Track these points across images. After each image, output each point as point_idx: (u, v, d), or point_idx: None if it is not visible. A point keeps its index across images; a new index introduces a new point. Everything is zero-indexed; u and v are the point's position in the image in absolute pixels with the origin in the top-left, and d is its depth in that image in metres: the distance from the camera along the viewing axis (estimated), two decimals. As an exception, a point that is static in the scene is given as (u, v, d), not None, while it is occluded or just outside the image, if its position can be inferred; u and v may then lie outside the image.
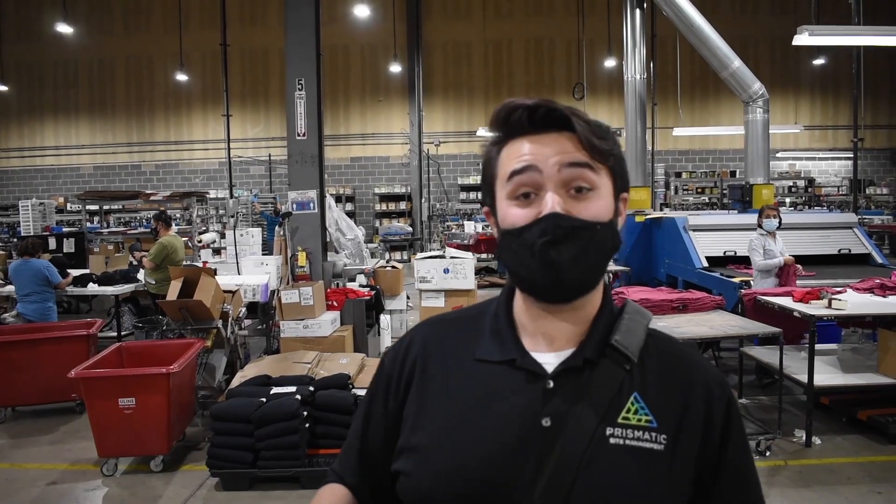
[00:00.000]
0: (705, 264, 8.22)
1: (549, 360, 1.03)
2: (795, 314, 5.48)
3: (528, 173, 0.99)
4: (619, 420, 1.00)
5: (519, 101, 1.01)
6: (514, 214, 1.00)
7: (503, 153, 1.04)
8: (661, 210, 14.23)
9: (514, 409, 1.01)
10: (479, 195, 20.15)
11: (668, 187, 19.88)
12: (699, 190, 19.97)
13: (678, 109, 17.19)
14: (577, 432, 0.97)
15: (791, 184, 20.23)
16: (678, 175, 20.29)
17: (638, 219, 10.40)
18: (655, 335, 1.10)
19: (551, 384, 1.01)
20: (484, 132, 17.90)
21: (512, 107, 1.02)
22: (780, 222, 7.04)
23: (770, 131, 10.84)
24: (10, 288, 8.00)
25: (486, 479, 0.99)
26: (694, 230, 8.80)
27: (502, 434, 1.00)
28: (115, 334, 8.03)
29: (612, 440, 0.98)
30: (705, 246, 8.55)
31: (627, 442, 0.98)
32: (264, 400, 4.76)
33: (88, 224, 12.94)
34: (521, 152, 1.01)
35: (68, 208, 19.53)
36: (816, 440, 5.35)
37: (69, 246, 10.54)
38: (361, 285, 7.87)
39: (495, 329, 1.09)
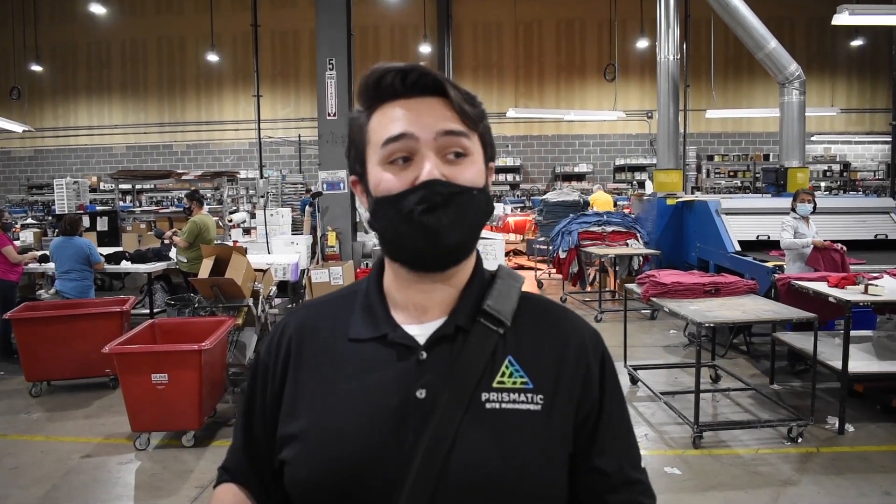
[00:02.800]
0: (738, 248, 8.12)
1: (422, 332, 1.02)
2: (831, 299, 5.39)
3: (404, 140, 0.97)
4: (495, 384, 0.99)
5: (389, 65, 0.98)
6: (388, 180, 0.98)
7: (374, 119, 1.01)
8: (693, 193, 14.05)
9: (388, 384, 0.99)
10: (508, 177, 20.24)
11: (699, 170, 19.65)
12: (731, 174, 19.71)
13: (711, 91, 16.97)
14: (452, 400, 0.96)
15: (826, 168, 19.88)
16: (710, 158, 20.03)
17: (669, 202, 10.29)
18: (529, 298, 1.10)
19: (424, 355, 1.00)
20: (514, 113, 17.79)
21: (382, 70, 0.98)
22: (814, 207, 6.91)
23: (806, 114, 10.64)
24: (47, 266, 8.12)
25: (365, 458, 0.96)
26: (727, 214, 8.69)
27: (378, 411, 0.98)
28: (147, 311, 8.13)
29: (487, 405, 0.98)
30: (738, 230, 8.44)
31: (503, 405, 0.98)
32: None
33: (121, 203, 13.10)
34: (394, 117, 0.98)
35: (101, 187, 19.79)
36: (850, 428, 5.28)
37: (102, 224, 10.67)
38: (390, 266, 7.88)
39: (366, 306, 1.07)
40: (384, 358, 1.01)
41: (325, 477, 0.98)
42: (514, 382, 1.00)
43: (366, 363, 1.02)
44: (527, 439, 0.97)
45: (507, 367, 1.01)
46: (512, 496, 0.95)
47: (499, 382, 0.99)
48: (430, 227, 0.95)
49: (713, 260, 8.58)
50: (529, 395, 1.00)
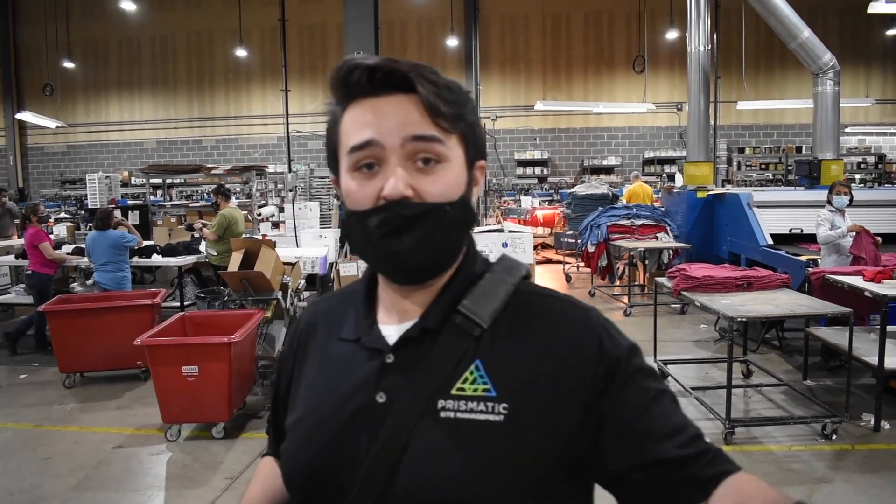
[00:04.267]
0: (770, 242, 8.00)
1: (394, 333, 0.98)
2: (866, 294, 5.29)
3: (370, 148, 0.91)
4: (453, 391, 0.92)
5: (359, 60, 0.92)
6: (355, 192, 0.93)
7: (345, 118, 0.95)
8: (723, 186, 13.88)
9: (354, 385, 0.97)
10: (536, 170, 20.15)
11: (730, 163, 19.40)
12: (763, 166, 19.44)
13: (742, 82, 16.73)
14: (406, 406, 0.92)
15: (860, 160, 19.52)
16: (741, 150, 19.76)
17: (700, 195, 10.18)
18: (524, 294, 1.00)
19: (391, 358, 0.96)
20: (542, 106, 17.70)
21: (351, 66, 0.92)
22: (851, 199, 6.79)
23: (840, 105, 10.45)
24: (80, 259, 8.23)
25: (322, 460, 0.95)
26: (758, 206, 8.58)
27: (340, 413, 0.96)
28: (178, 304, 8.21)
29: (442, 413, 0.91)
30: (770, 223, 8.32)
31: (459, 414, 0.90)
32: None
33: (152, 197, 13.24)
34: (361, 122, 0.92)
35: (132, 182, 20.02)
36: (885, 425, 5.17)
37: (134, 218, 10.76)
38: (418, 259, 7.89)
39: (356, 306, 1.06)
40: (358, 359, 0.99)
41: (294, 475, 1.00)
42: (476, 390, 0.92)
43: (345, 363, 1.01)
44: (482, 452, 0.89)
45: (470, 373, 0.93)
46: None
47: (458, 389, 0.92)
48: (390, 251, 0.91)
49: (745, 254, 8.47)
50: (490, 405, 0.91)
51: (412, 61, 0.92)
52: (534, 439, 0.90)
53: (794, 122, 19.70)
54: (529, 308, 0.99)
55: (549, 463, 0.91)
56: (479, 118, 1.00)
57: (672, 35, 18.06)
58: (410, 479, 0.89)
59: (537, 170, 20.31)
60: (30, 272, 7.69)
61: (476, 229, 7.33)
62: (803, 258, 6.99)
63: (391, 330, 0.99)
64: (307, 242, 7.83)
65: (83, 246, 8.14)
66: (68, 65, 20.67)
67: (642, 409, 0.91)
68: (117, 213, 8.53)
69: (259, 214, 10.42)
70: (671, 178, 18.48)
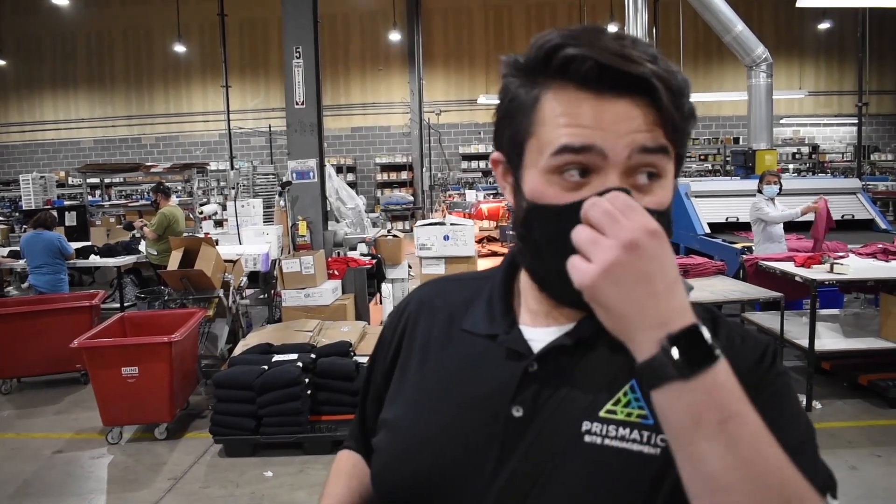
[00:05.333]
0: (707, 230, 8.20)
1: (544, 338, 0.85)
2: (797, 279, 5.47)
3: (587, 154, 0.76)
4: (602, 413, 0.80)
5: (585, 50, 0.74)
6: (553, 195, 0.78)
7: (549, 104, 0.78)
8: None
9: (485, 391, 0.85)
10: (480, 164, 20.22)
11: (670, 154, 19.78)
12: (702, 157, 19.88)
13: (681, 75, 17.04)
14: (549, 426, 0.81)
15: (795, 150, 20.11)
16: (681, 142, 20.16)
17: (640, 186, 10.35)
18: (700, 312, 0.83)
19: (535, 366, 0.84)
20: (485, 99, 17.77)
21: (572, 55, 0.75)
22: (780, 188, 7.00)
23: (774, 96, 10.77)
24: (15, 262, 8.01)
25: (440, 469, 0.85)
26: (696, 196, 8.78)
27: (467, 419, 0.85)
28: (118, 305, 8.05)
29: (587, 437, 0.79)
30: (707, 212, 8.53)
31: (607, 441, 0.79)
32: (266, 368, 4.78)
33: (90, 197, 12.92)
34: (579, 119, 0.76)
35: (69, 182, 19.49)
36: (817, 405, 5.37)
37: (71, 219, 10.52)
38: (363, 254, 7.86)
39: (489, 297, 0.93)
40: (492, 360, 0.87)
41: (397, 484, 0.89)
42: (629, 414, 0.79)
43: (470, 360, 0.89)
44: (632, 489, 0.77)
45: (625, 395, 0.80)
46: None
47: (608, 412, 0.80)
48: None
49: (683, 242, 8.66)
50: (645, 434, 0.78)
51: (647, 50, 0.76)
52: None
53: (731, 114, 20.19)
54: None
55: None
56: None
57: (612, 28, 18.25)
58: None
59: (482, 164, 20.41)
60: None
61: (418, 223, 7.35)
62: (738, 245, 7.18)
63: (536, 334, 0.86)
64: (250, 240, 7.74)
65: (18, 249, 7.93)
66: (-1, 62, 20.02)
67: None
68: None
69: (201, 213, 10.26)
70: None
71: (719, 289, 5.50)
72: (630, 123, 0.75)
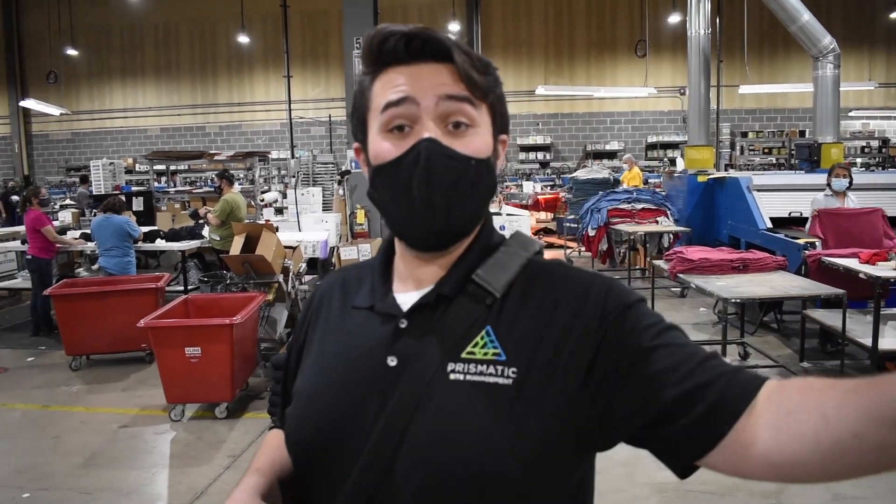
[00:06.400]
0: (769, 225, 8.04)
1: (409, 301, 0.99)
2: (861, 276, 5.34)
3: (405, 105, 0.93)
4: (463, 355, 0.92)
5: (395, 28, 0.94)
6: (386, 149, 0.95)
7: (377, 84, 0.97)
8: (726, 170, 13.89)
9: (365, 350, 0.98)
10: (538, 155, 20.15)
11: (733, 147, 19.37)
12: (766, 150, 19.41)
13: (745, 66, 16.68)
14: (418, 370, 0.93)
15: (864, 144, 19.46)
16: (744, 135, 19.73)
17: (700, 179, 10.20)
18: (538, 267, 1.01)
19: (404, 323, 0.97)
20: (543, 90, 17.68)
21: (386, 33, 0.94)
22: (850, 182, 6.81)
23: (841, 88, 10.47)
24: (84, 244, 8.31)
25: (333, 423, 0.96)
26: (758, 190, 8.59)
27: (349, 376, 0.97)
28: (181, 288, 8.29)
29: (452, 376, 0.91)
30: (770, 207, 8.34)
31: (468, 377, 0.91)
32: (323, 351, 4.88)
33: (156, 183, 13.31)
34: (396, 83, 0.94)
35: (137, 168, 20.10)
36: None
37: (138, 204, 10.85)
38: (419, 243, 7.95)
39: (371, 275, 1.07)
40: (372, 326, 1.00)
41: (299, 441, 1.01)
42: (486, 353, 0.92)
43: (356, 330, 1.02)
44: (491, 414, 0.89)
45: (481, 338, 0.93)
46: (473, 477, 0.88)
47: (468, 353, 0.93)
48: (423, 195, 0.91)
49: (744, 237, 8.51)
50: (499, 368, 0.91)
51: (424, 27, 0.95)
52: (541, 404, 0.89)
53: (797, 106, 19.64)
54: (539, 278, 0.99)
55: (556, 429, 0.90)
56: (503, 92, 1.02)
57: (674, 19, 18.00)
58: (421, 442, 0.90)
59: (540, 155, 20.31)
60: (29, 257, 7.77)
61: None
62: (801, 241, 7.03)
63: (405, 298, 1.00)
64: (309, 227, 7.90)
65: (89, 232, 8.22)
66: (72, 52, 20.69)
67: (643, 357, 0.88)
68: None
69: (262, 200, 10.48)
70: (672, 162, 18.47)
71: (779, 284, 5.40)
72: (436, 78, 0.93)
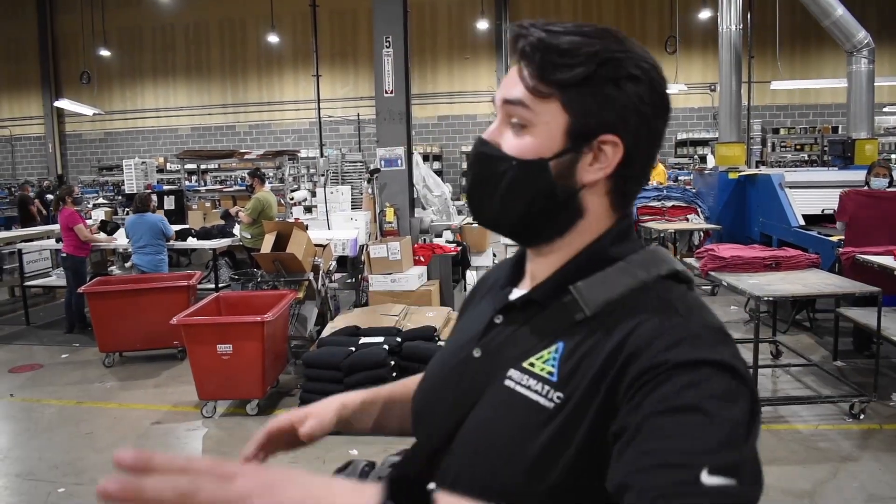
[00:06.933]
0: (802, 223, 7.93)
1: (516, 296, 1.02)
2: (896, 273, 5.25)
3: (494, 107, 0.99)
4: (525, 364, 0.91)
5: (514, 26, 0.95)
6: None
7: None
8: (757, 167, 13.73)
9: (466, 339, 1.03)
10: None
11: (764, 144, 19.11)
12: (798, 147, 19.11)
13: (777, 62, 16.45)
14: (489, 367, 0.95)
15: (900, 140, 19.10)
16: (776, 131, 19.45)
17: (731, 176, 10.10)
18: (648, 290, 0.91)
19: (499, 319, 1.00)
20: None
21: (513, 33, 0.95)
22: (891, 181, 6.68)
23: (876, 83, 10.28)
24: (119, 242, 8.44)
25: (426, 402, 1.06)
26: (791, 187, 8.49)
27: (449, 360, 1.05)
28: (212, 286, 8.37)
29: (506, 382, 0.92)
30: (802, 204, 8.24)
31: (518, 388, 0.90)
32: (353, 349, 4.92)
33: (187, 182, 13.46)
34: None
35: (168, 167, 20.32)
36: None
37: (169, 203, 10.98)
38: (448, 241, 7.95)
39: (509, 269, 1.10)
40: (482, 316, 1.04)
41: (412, 406, 1.10)
42: (542, 370, 0.90)
43: (475, 318, 1.07)
44: (522, 433, 0.87)
45: (548, 353, 0.90)
46: (496, 482, 0.88)
47: (530, 364, 0.91)
48: (466, 191, 0.99)
49: (776, 235, 8.41)
50: (547, 388, 0.88)
51: (545, 21, 0.93)
52: (573, 435, 0.84)
53: (830, 102, 19.32)
54: (639, 304, 0.89)
55: (583, 461, 0.84)
56: (618, 86, 0.90)
57: (705, 14, 17.80)
58: (466, 438, 0.94)
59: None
60: (64, 255, 7.90)
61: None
62: (834, 238, 6.93)
63: (517, 294, 1.02)
64: (338, 225, 7.93)
65: (110, 221, 8.34)
66: (104, 53, 20.99)
67: (648, 422, 0.77)
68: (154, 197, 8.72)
69: (292, 199, 10.56)
70: (703, 159, 18.27)
71: (812, 282, 5.33)
72: (508, 80, 0.95)
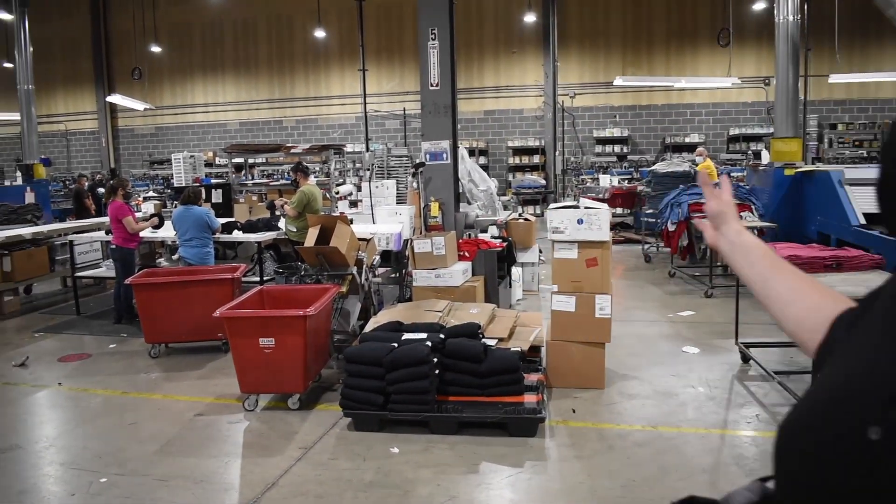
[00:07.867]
0: (863, 221, 7.62)
1: None
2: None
3: None
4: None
5: None
6: None
7: None
8: (814, 164, 13.31)
9: (848, 391, 0.79)
10: (615, 148, 19.72)
11: (821, 140, 18.56)
12: (856, 143, 18.51)
13: (835, 55, 15.94)
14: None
15: (964, 136, 18.37)
16: (833, 127, 18.86)
17: (787, 172, 9.77)
18: None
19: None
20: (621, 82, 17.28)
21: None
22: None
23: (943, 76, 9.85)
24: (165, 234, 8.51)
25: (800, 465, 0.80)
26: (850, 185, 8.17)
27: (819, 415, 0.82)
28: (257, 279, 8.39)
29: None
30: (863, 202, 7.92)
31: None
32: (396, 345, 4.83)
33: (234, 176, 13.58)
34: None
35: (216, 161, 20.61)
36: None
37: (217, 196, 11.09)
38: (493, 237, 7.83)
39: None
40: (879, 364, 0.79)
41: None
42: None
43: (869, 359, 0.82)
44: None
45: None
46: None
47: None
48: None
49: (835, 234, 8.10)
50: None
51: None
52: None
53: (891, 97, 18.67)
54: None
55: None
56: None
57: (759, 6, 17.32)
58: None
59: (616, 147, 19.89)
60: (114, 246, 7.99)
61: (551, 205, 7.24)
62: (899, 237, 6.63)
63: None
64: (383, 219, 7.89)
65: (155, 212, 8.41)
66: (155, 49, 21.32)
67: None
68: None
69: (337, 192, 10.55)
70: (756, 155, 17.81)
71: (876, 284, 5.07)
72: None
